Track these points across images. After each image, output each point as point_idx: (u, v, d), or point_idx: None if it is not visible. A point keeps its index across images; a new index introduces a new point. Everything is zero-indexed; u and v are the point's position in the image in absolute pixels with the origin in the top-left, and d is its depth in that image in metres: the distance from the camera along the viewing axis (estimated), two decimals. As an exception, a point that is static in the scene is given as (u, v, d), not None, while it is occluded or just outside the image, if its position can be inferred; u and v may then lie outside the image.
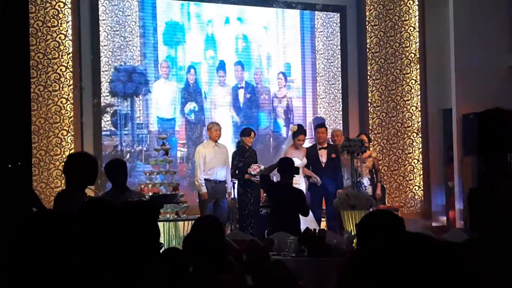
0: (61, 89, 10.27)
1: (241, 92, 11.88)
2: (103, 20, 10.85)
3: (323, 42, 12.37)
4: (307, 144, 10.79)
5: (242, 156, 9.91)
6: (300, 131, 10.34)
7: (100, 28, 10.80)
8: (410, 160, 12.25)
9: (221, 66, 11.74)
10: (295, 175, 8.26)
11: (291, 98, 12.13)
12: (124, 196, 6.15)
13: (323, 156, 10.13)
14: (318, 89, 12.32)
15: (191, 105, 11.49)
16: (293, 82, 12.23)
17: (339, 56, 12.35)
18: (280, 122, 11.98)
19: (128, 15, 11.04)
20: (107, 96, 10.79)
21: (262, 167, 9.60)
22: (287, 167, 8.16)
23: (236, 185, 9.88)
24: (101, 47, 10.78)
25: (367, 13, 12.22)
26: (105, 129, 10.78)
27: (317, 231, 6.77)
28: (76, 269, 2.76)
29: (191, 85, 11.54)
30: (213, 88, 11.69)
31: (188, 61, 11.56)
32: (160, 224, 7.78)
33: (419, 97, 12.26)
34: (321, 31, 12.36)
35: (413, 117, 12.28)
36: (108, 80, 10.80)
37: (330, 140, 10.66)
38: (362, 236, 3.22)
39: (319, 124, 10.82)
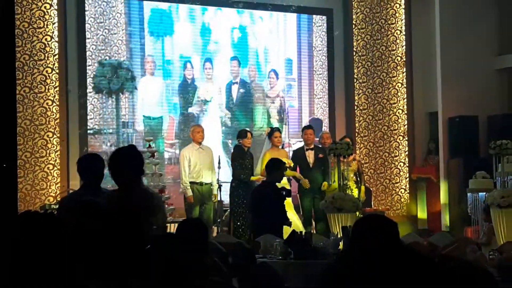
0: (47, 90, 10.22)
1: (234, 88, 11.68)
2: (86, 10, 10.62)
3: (322, 38, 12.33)
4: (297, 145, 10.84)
5: (241, 158, 9.80)
6: (274, 129, 10.34)
7: (85, 22, 10.59)
8: (396, 163, 12.29)
9: (209, 59, 11.49)
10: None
11: (283, 98, 12.08)
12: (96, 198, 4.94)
13: (310, 157, 10.14)
14: (316, 88, 12.29)
15: (187, 104, 11.25)
16: (295, 80, 12.13)
17: (326, 57, 12.32)
18: (274, 123, 11.68)
19: (113, 6, 10.83)
20: (90, 92, 10.54)
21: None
22: (271, 167, 8.07)
23: (222, 188, 9.84)
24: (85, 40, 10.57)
25: (354, 16, 12.25)
26: (88, 127, 10.57)
27: (303, 233, 6.77)
28: (65, 273, 2.74)
29: (188, 81, 11.31)
30: (203, 84, 11.45)
31: (177, 54, 11.26)
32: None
33: (405, 100, 12.31)
34: (319, 25, 12.30)
35: (399, 120, 12.32)
36: (92, 76, 10.46)
37: (318, 142, 10.63)
38: (356, 240, 3.22)
39: (307, 126, 10.80)
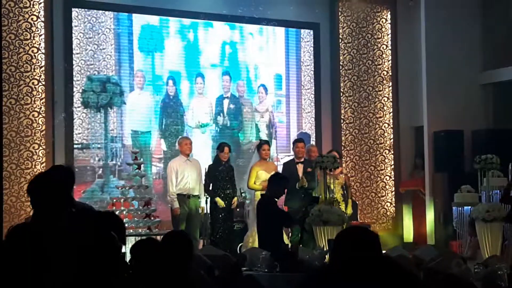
0: (33, 102, 10.19)
1: (225, 103, 11.70)
2: (76, 26, 10.64)
3: (309, 52, 12.36)
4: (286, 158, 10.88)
5: (217, 171, 9.89)
6: (263, 142, 10.41)
7: (72, 35, 10.60)
8: (382, 176, 12.33)
9: (200, 73, 11.52)
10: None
11: (272, 112, 12.10)
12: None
13: (299, 170, 10.19)
14: (304, 102, 12.33)
15: (170, 120, 11.25)
16: (284, 96, 12.16)
17: (314, 72, 12.36)
18: (263, 137, 11.60)
19: (102, 22, 10.84)
20: (79, 107, 10.57)
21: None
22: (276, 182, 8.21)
23: (209, 200, 9.86)
24: (73, 55, 10.56)
25: (340, 31, 12.32)
26: (76, 142, 10.58)
27: (289, 246, 6.79)
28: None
29: (171, 97, 11.31)
30: (193, 99, 11.47)
31: (166, 69, 11.28)
32: (132, 239, 7.73)
33: (391, 114, 12.38)
34: (307, 41, 12.36)
35: (385, 134, 12.38)
36: (80, 90, 10.49)
37: (305, 155, 10.67)
38: (337, 251, 3.23)
39: (298, 139, 10.86)
